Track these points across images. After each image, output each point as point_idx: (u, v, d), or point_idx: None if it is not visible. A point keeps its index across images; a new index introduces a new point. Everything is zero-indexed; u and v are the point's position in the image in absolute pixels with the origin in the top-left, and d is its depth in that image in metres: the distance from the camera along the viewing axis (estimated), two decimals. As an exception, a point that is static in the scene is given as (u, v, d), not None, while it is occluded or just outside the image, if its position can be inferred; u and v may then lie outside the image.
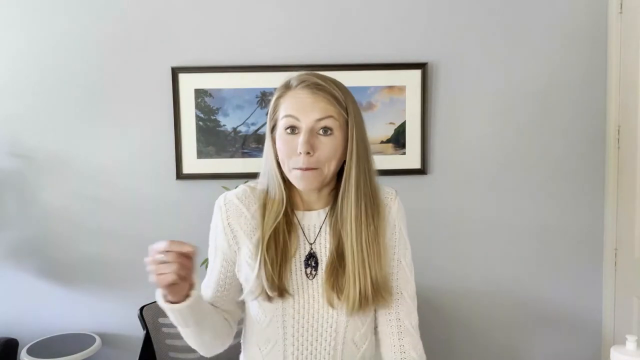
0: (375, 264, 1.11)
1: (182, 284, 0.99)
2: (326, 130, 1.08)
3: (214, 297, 1.19)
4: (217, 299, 1.19)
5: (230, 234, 1.16)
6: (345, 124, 1.10)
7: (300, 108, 1.08)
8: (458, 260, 2.45)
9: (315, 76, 1.11)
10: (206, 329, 1.11)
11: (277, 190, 1.13)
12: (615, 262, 2.38)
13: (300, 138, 1.07)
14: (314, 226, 1.16)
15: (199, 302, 1.06)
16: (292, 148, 1.08)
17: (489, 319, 2.48)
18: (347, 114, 1.10)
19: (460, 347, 2.49)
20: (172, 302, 1.02)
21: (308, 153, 1.06)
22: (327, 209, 1.17)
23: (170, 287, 0.98)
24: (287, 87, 1.12)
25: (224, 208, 1.17)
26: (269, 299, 1.10)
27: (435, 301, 2.46)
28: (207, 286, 1.21)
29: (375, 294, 1.11)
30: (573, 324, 2.49)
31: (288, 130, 1.09)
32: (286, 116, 1.09)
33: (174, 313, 1.03)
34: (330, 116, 1.08)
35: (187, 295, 1.02)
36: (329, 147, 1.08)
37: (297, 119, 1.07)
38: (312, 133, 1.07)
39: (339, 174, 1.14)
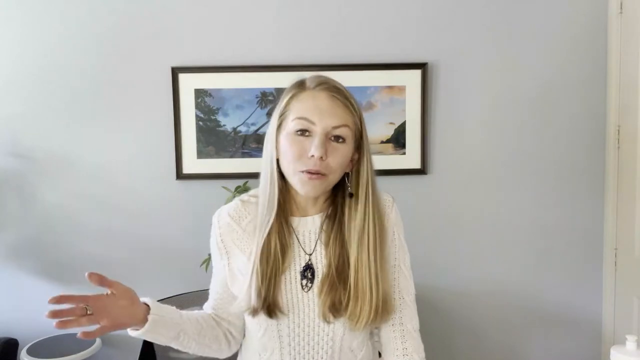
0: (385, 279, 1.10)
1: (130, 309, 1.01)
2: (338, 138, 1.05)
3: (215, 305, 1.21)
4: (217, 310, 1.20)
5: (223, 249, 1.16)
6: (356, 134, 1.08)
7: (317, 111, 1.03)
8: (458, 260, 2.45)
9: (331, 79, 1.08)
10: (188, 341, 1.12)
11: (272, 193, 1.09)
12: (615, 262, 2.38)
13: (315, 141, 1.02)
14: (309, 232, 1.13)
15: (161, 323, 1.06)
16: (303, 149, 1.03)
17: (488, 319, 2.48)
18: (361, 123, 1.08)
19: (460, 347, 2.49)
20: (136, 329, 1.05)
21: (321, 157, 1.02)
22: (322, 215, 1.14)
23: (122, 321, 1.00)
24: (301, 86, 1.08)
25: (217, 225, 1.17)
26: (255, 313, 1.08)
27: (435, 301, 2.46)
28: (210, 295, 1.23)
29: (383, 310, 1.09)
30: (573, 324, 2.49)
31: (299, 132, 1.04)
32: (299, 118, 1.04)
33: (143, 338, 1.05)
34: (346, 125, 1.05)
35: (145, 320, 1.04)
36: (340, 154, 1.05)
37: (312, 123, 1.03)
38: (325, 138, 1.04)
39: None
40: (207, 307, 1.23)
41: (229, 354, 1.23)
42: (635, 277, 2.26)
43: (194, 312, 1.19)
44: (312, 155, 1.02)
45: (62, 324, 0.93)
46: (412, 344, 1.15)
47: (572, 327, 2.48)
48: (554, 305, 2.48)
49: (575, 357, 2.47)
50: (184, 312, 1.15)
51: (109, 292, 1.00)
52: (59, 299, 0.94)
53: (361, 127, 1.09)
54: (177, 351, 1.93)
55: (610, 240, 2.40)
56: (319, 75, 1.09)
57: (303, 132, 1.04)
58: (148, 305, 1.05)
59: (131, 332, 1.05)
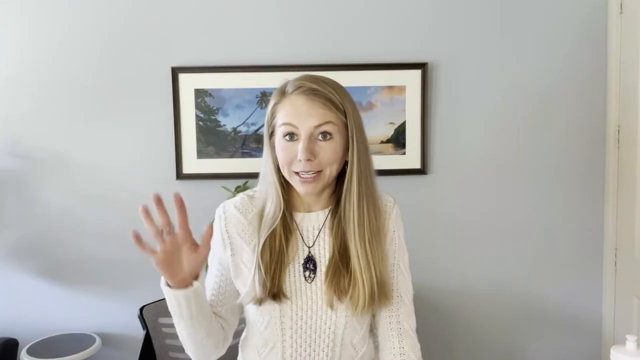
0: (379, 263, 1.12)
1: (187, 267, 1.01)
2: (325, 135, 1.08)
3: (211, 301, 1.20)
4: (214, 305, 1.20)
5: (227, 240, 1.17)
6: (345, 126, 1.10)
7: (297, 115, 1.07)
8: (458, 260, 2.45)
9: (311, 80, 1.10)
10: (200, 326, 1.10)
11: (275, 196, 1.13)
12: (615, 262, 2.38)
13: (300, 145, 1.06)
14: (312, 228, 1.17)
15: (199, 296, 1.05)
16: (293, 154, 1.08)
17: (488, 319, 2.48)
18: (346, 117, 1.10)
19: (460, 347, 2.49)
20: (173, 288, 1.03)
21: (309, 159, 1.06)
22: (326, 210, 1.18)
23: (172, 267, 1.00)
24: (282, 93, 1.11)
25: (223, 216, 1.18)
26: (260, 302, 1.11)
27: (435, 301, 2.46)
28: (206, 291, 1.22)
29: (380, 294, 1.12)
30: (573, 324, 2.49)
31: (287, 138, 1.08)
32: (284, 124, 1.08)
33: (173, 299, 1.03)
34: (329, 122, 1.08)
35: (189, 284, 1.03)
36: (329, 151, 1.08)
37: (295, 127, 1.07)
38: (311, 139, 1.07)
39: (340, 174, 1.14)
40: None
41: (219, 355, 1.21)
42: (635, 277, 2.26)
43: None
44: (300, 160, 1.07)
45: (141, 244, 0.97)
46: (409, 343, 1.16)
47: (572, 327, 2.48)
48: (554, 305, 2.48)
49: (575, 357, 2.47)
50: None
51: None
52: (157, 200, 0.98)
53: (346, 119, 1.10)
54: (177, 351, 1.94)
55: (610, 240, 2.40)
56: (298, 79, 1.11)
57: (291, 136, 1.08)
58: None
59: (165, 287, 1.04)
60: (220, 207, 1.20)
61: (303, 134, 1.07)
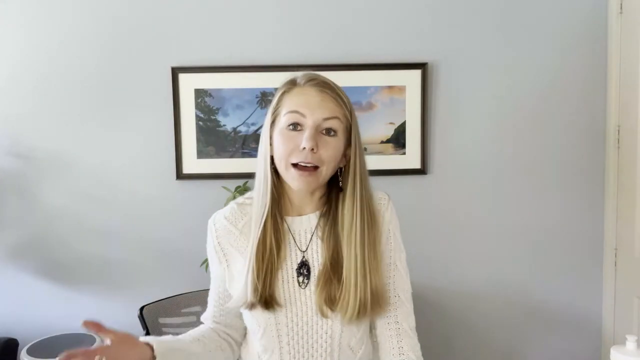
0: (375, 273, 1.10)
1: (136, 355, 1.00)
2: (330, 131, 1.07)
3: (215, 313, 1.22)
4: (218, 315, 1.22)
5: (220, 252, 1.17)
6: (346, 128, 1.10)
7: (307, 105, 1.06)
8: (458, 260, 2.45)
9: (322, 77, 1.11)
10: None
11: (265, 188, 1.11)
12: (615, 262, 2.38)
13: (306, 133, 1.05)
14: (304, 231, 1.15)
15: (170, 354, 1.06)
16: (295, 144, 1.05)
17: (488, 319, 2.48)
18: (351, 118, 1.10)
19: (460, 347, 2.49)
20: None
21: (312, 149, 1.04)
22: (317, 213, 1.16)
23: None
24: (293, 83, 1.11)
25: (214, 228, 1.18)
26: (252, 307, 1.10)
27: (435, 301, 2.46)
28: (209, 303, 1.25)
29: (374, 304, 1.09)
30: (573, 324, 2.48)
31: (290, 127, 1.07)
32: (291, 112, 1.07)
33: None
34: (337, 117, 1.07)
35: (153, 357, 1.03)
36: (332, 147, 1.07)
37: (303, 115, 1.06)
38: (316, 131, 1.06)
39: (330, 178, 1.13)
40: (207, 317, 1.25)
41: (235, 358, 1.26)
42: (635, 277, 2.26)
43: (194, 331, 1.21)
44: (304, 148, 1.04)
45: None
46: (408, 343, 1.15)
47: (572, 327, 2.48)
48: (554, 305, 2.48)
49: (575, 357, 2.47)
50: (181, 336, 1.16)
51: (109, 341, 0.98)
52: (65, 358, 0.90)
53: (351, 120, 1.10)
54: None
55: (610, 240, 2.40)
56: (309, 73, 1.12)
57: (295, 126, 1.07)
58: (149, 344, 1.05)
59: None
60: (211, 219, 1.20)
61: (310, 123, 1.05)
